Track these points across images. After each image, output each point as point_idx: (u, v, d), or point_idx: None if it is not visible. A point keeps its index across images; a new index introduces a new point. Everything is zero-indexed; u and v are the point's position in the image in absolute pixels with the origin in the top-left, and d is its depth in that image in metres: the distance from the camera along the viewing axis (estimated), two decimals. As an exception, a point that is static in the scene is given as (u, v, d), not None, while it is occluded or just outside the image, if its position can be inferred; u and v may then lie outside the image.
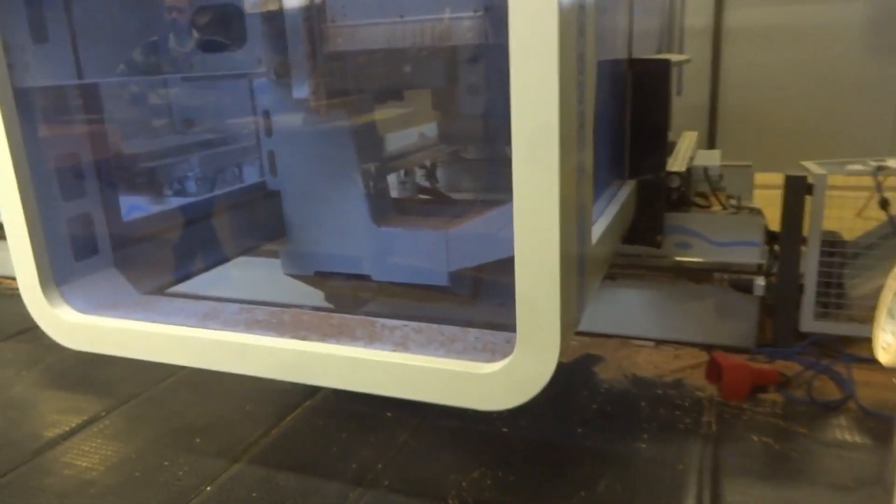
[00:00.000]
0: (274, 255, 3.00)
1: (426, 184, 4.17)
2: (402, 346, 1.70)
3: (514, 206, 1.46)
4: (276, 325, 1.85)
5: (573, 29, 1.41)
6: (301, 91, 2.13)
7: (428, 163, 4.25)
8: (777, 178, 2.96)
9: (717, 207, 2.98)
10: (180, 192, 3.51)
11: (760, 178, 3.22)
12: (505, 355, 1.60)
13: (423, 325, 1.82)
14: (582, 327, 3.24)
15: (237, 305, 1.99)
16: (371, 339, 1.74)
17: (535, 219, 1.41)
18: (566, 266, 1.48)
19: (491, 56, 2.41)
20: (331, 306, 3.28)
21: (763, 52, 6.09)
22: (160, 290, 2.31)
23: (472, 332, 1.78)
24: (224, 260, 2.61)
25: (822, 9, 5.98)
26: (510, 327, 1.56)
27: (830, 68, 5.86)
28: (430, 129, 4.62)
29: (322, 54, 2.06)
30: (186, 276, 2.41)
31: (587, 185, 1.71)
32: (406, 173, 4.01)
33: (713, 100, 6.16)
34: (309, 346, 1.70)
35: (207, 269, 2.51)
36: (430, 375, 1.56)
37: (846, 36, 5.85)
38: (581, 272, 1.70)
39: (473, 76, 2.46)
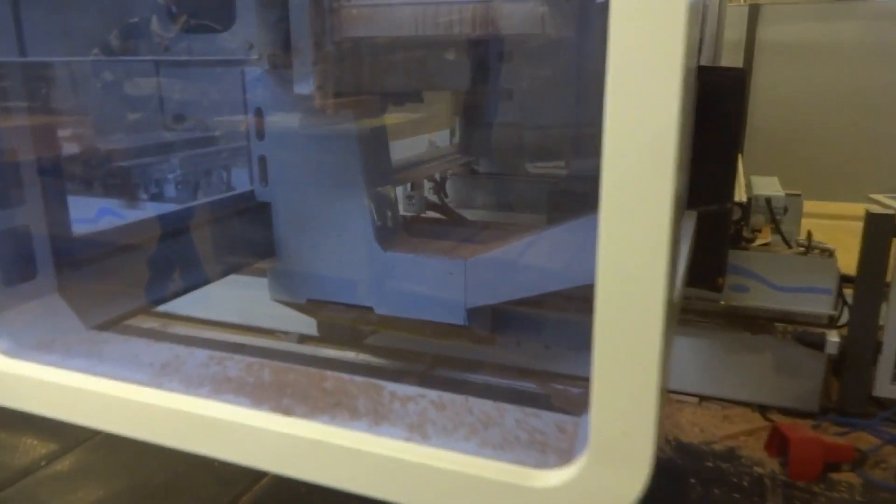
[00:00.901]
0: (261, 273, 2.59)
1: (435, 199, 3.76)
2: (419, 430, 1.27)
3: (600, 250, 1.04)
4: (253, 387, 1.42)
5: (696, 23, 0.99)
6: (303, 86, 1.71)
7: (437, 176, 3.84)
8: (815, 207, 2.55)
9: (779, 245, 2.57)
10: (157, 196, 3.07)
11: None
12: (560, 454, 1.18)
13: (445, 396, 1.39)
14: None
15: (205, 353, 1.55)
16: (377, 417, 1.31)
17: (632, 268, 0.98)
18: (667, 330, 1.05)
19: (544, 51, 2.00)
20: (323, 343, 2.86)
21: (796, 69, 5.71)
22: (115, 323, 1.87)
23: (511, 412, 1.35)
24: (199, 284, 2.18)
25: (861, 27, 5.61)
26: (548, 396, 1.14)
27: (868, 90, 5.48)
28: (440, 137, 4.23)
29: (332, 41, 1.64)
30: (150, 305, 1.97)
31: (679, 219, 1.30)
32: (412, 187, 3.59)
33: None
34: (292, 425, 1.26)
35: (177, 295, 2.08)
36: (460, 484, 1.14)
37: (886, 58, 5.47)
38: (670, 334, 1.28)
39: (518, 75, 2.05)
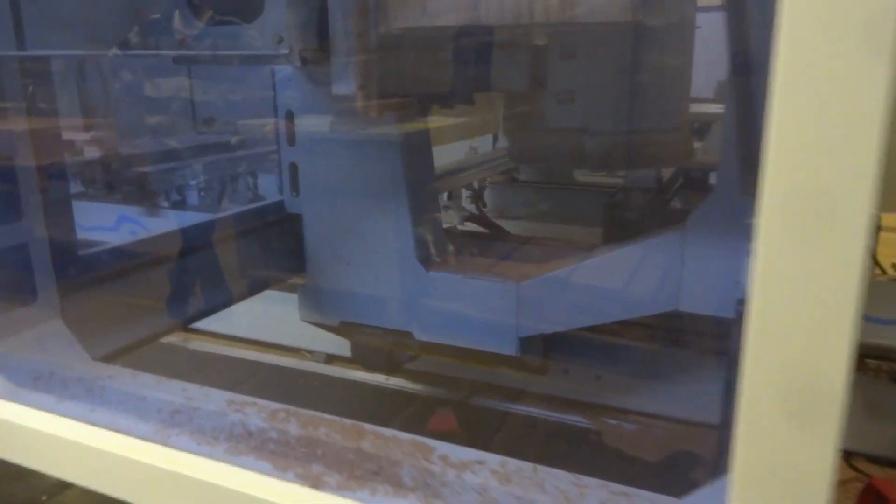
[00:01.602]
0: (289, 288, 2.36)
1: (473, 209, 3.51)
2: (483, 514, 1.02)
3: (755, 281, 0.78)
4: (277, 444, 1.18)
5: None
6: (342, 85, 1.48)
7: (476, 184, 3.59)
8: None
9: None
10: (179, 204, 2.87)
11: None
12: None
13: (509, 464, 1.14)
14: (665, 410, 2.56)
15: (223, 397, 1.32)
16: (428, 493, 1.06)
17: (812, 300, 0.72)
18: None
19: (616, 45, 1.75)
20: (357, 369, 2.63)
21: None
22: (126, 352, 1.66)
23: (593, 491, 1.10)
24: (221, 305, 1.96)
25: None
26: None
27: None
28: (481, 141, 3.98)
29: (376, 32, 1.40)
30: (164, 331, 1.75)
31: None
32: (450, 196, 3.34)
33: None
34: (321, 500, 1.03)
35: (195, 319, 1.86)
36: None
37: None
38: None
39: (582, 72, 1.79)
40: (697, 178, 2.32)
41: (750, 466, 0.76)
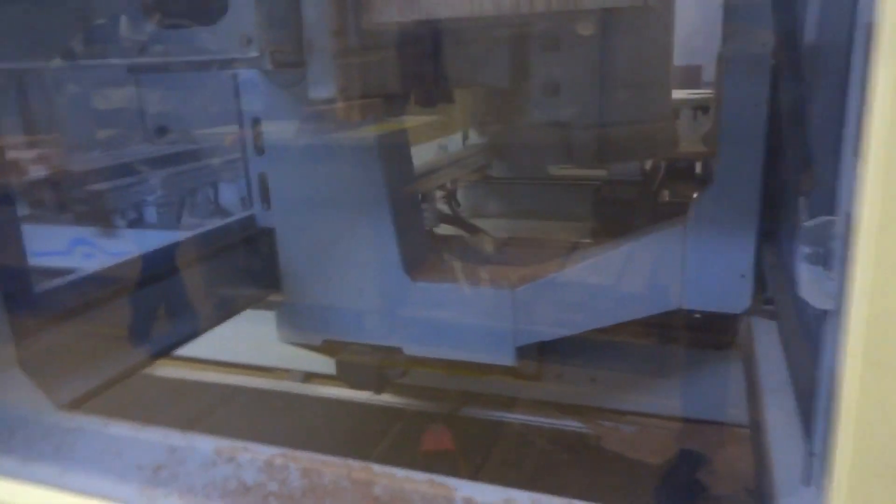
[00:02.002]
0: (263, 305, 2.21)
1: (447, 210, 3.39)
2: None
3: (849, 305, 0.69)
4: (280, 501, 1.05)
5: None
6: (321, 88, 1.34)
7: (448, 184, 3.46)
8: None
9: None
10: (137, 222, 2.68)
11: None
12: None
13: (543, 501, 1.03)
14: (660, 409, 2.48)
15: (210, 445, 1.18)
16: (460, 545, 0.95)
17: None
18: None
19: (609, 34, 1.65)
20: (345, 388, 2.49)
21: None
22: (93, 395, 1.49)
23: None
24: (192, 334, 1.80)
25: None
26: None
27: None
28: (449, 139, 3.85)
29: (357, 29, 1.27)
30: (134, 368, 1.59)
31: None
32: (423, 198, 3.21)
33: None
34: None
35: (165, 351, 1.70)
36: None
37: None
38: None
39: (571, 64, 1.69)
40: (683, 168, 2.26)
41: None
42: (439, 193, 3.45)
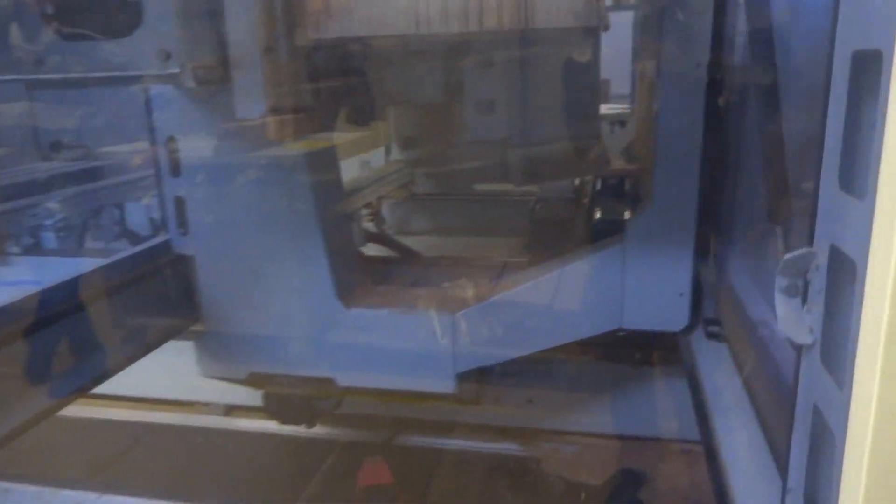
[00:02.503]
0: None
1: (373, 228, 3.30)
2: None
3: None
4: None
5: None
6: (249, 107, 1.23)
7: (373, 202, 3.38)
8: None
9: None
10: (34, 249, 2.44)
11: None
12: None
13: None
14: (600, 428, 2.45)
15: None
16: None
17: None
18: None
19: (549, 53, 1.61)
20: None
21: None
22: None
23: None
24: (102, 376, 1.63)
25: None
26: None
27: None
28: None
29: (290, 45, 1.17)
30: (33, 420, 1.41)
31: None
32: (350, 216, 3.10)
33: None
34: None
35: (73, 396, 1.52)
36: None
37: None
38: None
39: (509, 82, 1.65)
40: (614, 185, 2.27)
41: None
42: (364, 211, 3.36)
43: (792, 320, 0.77)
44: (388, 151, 3.55)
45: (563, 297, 1.75)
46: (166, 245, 1.93)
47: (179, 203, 1.88)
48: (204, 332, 1.96)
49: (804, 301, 0.77)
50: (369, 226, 3.34)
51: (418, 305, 1.84)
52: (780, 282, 0.78)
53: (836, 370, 0.71)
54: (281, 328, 1.89)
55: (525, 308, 1.77)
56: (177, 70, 1.22)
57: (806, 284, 0.77)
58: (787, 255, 0.75)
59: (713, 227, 1.65)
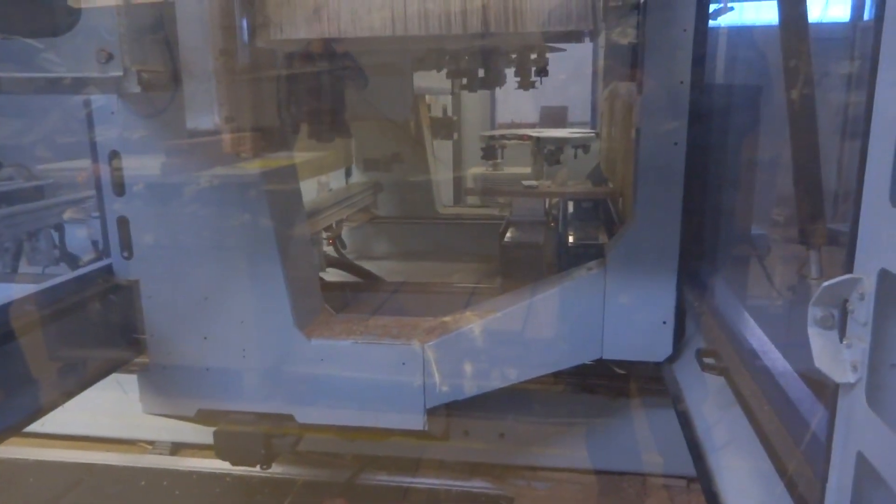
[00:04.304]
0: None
1: (332, 253, 3.16)
2: None
3: None
4: None
5: None
6: (201, 117, 1.10)
7: (333, 224, 3.24)
8: None
9: None
10: (-39, 276, 2.24)
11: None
12: None
13: None
14: (579, 463, 2.31)
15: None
16: None
17: None
18: None
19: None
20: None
21: None
22: None
23: None
24: (34, 415, 1.45)
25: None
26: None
27: None
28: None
29: (248, 48, 1.05)
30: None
31: None
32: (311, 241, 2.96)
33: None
34: None
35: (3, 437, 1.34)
36: None
37: None
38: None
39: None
40: (587, 208, 2.20)
41: None
42: (324, 234, 3.22)
43: (829, 356, 0.68)
44: (348, 173, 3.44)
45: (540, 326, 1.64)
46: (107, 270, 1.76)
47: (123, 224, 1.72)
48: (148, 365, 1.79)
49: (842, 334, 0.68)
50: (329, 250, 3.19)
51: (384, 335, 1.71)
52: (815, 313, 0.69)
53: (887, 413, 0.62)
54: (234, 360, 1.73)
55: (500, 338, 1.66)
56: (119, 73, 1.08)
57: (844, 315, 0.68)
58: (827, 283, 0.66)
59: (699, 251, 1.57)
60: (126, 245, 1.73)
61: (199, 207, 1.70)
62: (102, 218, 1.76)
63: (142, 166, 1.69)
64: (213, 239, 1.71)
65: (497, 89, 4.91)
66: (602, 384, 2.03)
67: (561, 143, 3.17)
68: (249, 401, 1.77)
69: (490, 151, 3.11)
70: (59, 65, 1.13)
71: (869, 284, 0.63)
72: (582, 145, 3.23)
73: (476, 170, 4.37)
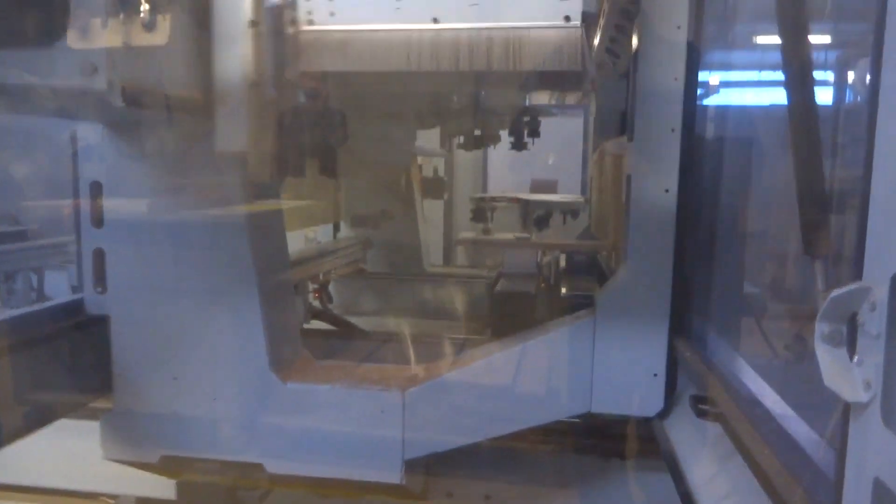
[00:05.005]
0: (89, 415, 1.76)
1: (318, 306, 3.09)
2: None
3: None
4: None
5: None
6: (230, 141, 1.09)
7: (321, 276, 3.18)
8: None
9: None
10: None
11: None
12: None
13: None
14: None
15: None
16: None
17: None
18: None
19: None
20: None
21: None
22: None
23: None
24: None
25: None
26: None
27: None
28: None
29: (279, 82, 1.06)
30: None
31: None
32: (295, 290, 2.90)
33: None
34: None
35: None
36: None
37: None
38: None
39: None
40: (580, 262, 2.18)
41: None
42: (310, 286, 3.16)
43: (838, 374, 0.62)
44: (336, 228, 3.41)
45: (526, 375, 1.57)
46: (79, 304, 1.69)
47: (98, 256, 1.66)
48: (113, 408, 1.69)
49: (852, 351, 0.63)
50: (315, 303, 3.13)
51: (363, 381, 1.63)
52: (822, 328, 0.64)
53: (906, 434, 0.56)
54: (205, 403, 1.64)
55: (483, 387, 1.58)
56: (104, 86, 1.06)
57: (854, 330, 0.63)
58: (835, 293, 0.61)
59: (691, 299, 1.53)
60: (100, 278, 1.66)
61: (180, 243, 1.65)
62: (79, 251, 1.70)
63: (124, 199, 1.65)
64: (192, 276, 1.66)
65: (490, 160, 4.98)
66: (594, 444, 1.93)
67: (550, 207, 3.18)
68: (217, 448, 1.66)
69: (480, 213, 3.11)
70: (45, 76, 1.11)
71: (880, 293, 0.58)
72: (571, 210, 3.25)
73: (466, 234, 4.37)
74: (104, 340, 1.68)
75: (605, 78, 2.41)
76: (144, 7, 1.15)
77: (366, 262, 3.44)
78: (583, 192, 4.70)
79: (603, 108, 2.80)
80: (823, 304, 0.63)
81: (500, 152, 3.46)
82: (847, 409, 0.63)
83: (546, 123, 2.65)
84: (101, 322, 1.68)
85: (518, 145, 2.73)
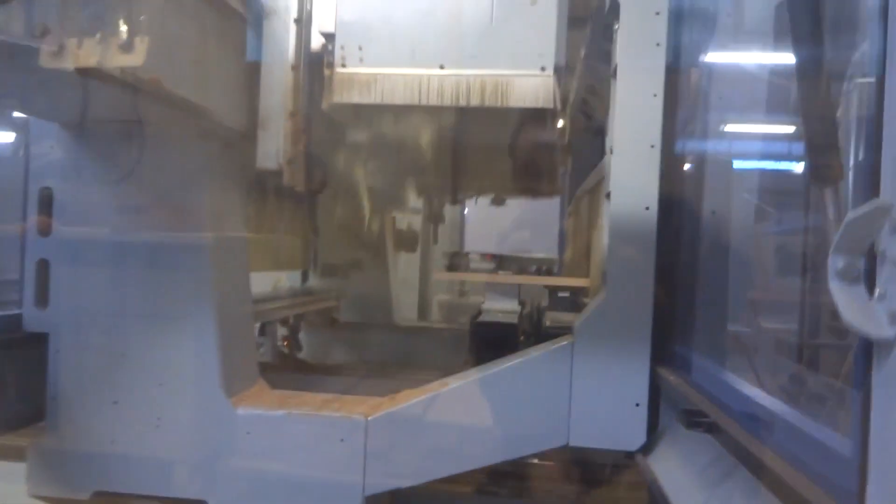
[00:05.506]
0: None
1: (286, 349, 2.94)
2: None
3: None
4: None
5: None
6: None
7: (291, 320, 3.05)
8: None
9: None
10: None
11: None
12: None
13: None
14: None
15: None
16: None
17: None
18: None
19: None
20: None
21: None
22: None
23: None
24: None
25: None
26: None
27: None
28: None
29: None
30: None
31: None
32: (262, 332, 2.77)
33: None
34: None
35: None
36: None
37: None
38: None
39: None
40: (562, 298, 2.11)
41: None
42: (280, 332, 3.03)
43: (858, 311, 0.54)
44: (304, 276, 3.29)
45: (498, 405, 1.45)
46: (16, 319, 1.55)
47: (42, 268, 1.54)
48: (44, 437, 1.53)
49: (870, 287, 0.55)
50: (283, 350, 2.98)
51: (322, 408, 1.49)
52: (836, 262, 0.56)
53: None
54: (146, 430, 1.49)
55: (452, 416, 1.46)
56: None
57: (873, 260, 0.55)
58: (850, 215, 0.54)
59: (672, 323, 1.44)
60: (42, 292, 1.54)
61: (135, 259, 1.55)
62: (22, 262, 1.58)
63: (74, 206, 1.55)
64: (146, 294, 1.54)
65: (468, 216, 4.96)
66: (575, 489, 1.79)
67: (524, 263, 3.13)
68: (157, 482, 1.50)
69: (454, 269, 3.06)
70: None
71: (907, 210, 0.51)
72: (545, 267, 3.20)
73: (442, 297, 4.26)
74: (41, 360, 1.54)
75: (579, 134, 2.44)
76: (122, 28, 1.10)
77: (339, 311, 3.32)
78: (560, 247, 4.64)
79: (577, 165, 2.80)
80: (837, 233, 0.55)
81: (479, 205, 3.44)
82: (869, 349, 0.54)
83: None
84: (39, 339, 1.54)
85: (497, 201, 2.76)
